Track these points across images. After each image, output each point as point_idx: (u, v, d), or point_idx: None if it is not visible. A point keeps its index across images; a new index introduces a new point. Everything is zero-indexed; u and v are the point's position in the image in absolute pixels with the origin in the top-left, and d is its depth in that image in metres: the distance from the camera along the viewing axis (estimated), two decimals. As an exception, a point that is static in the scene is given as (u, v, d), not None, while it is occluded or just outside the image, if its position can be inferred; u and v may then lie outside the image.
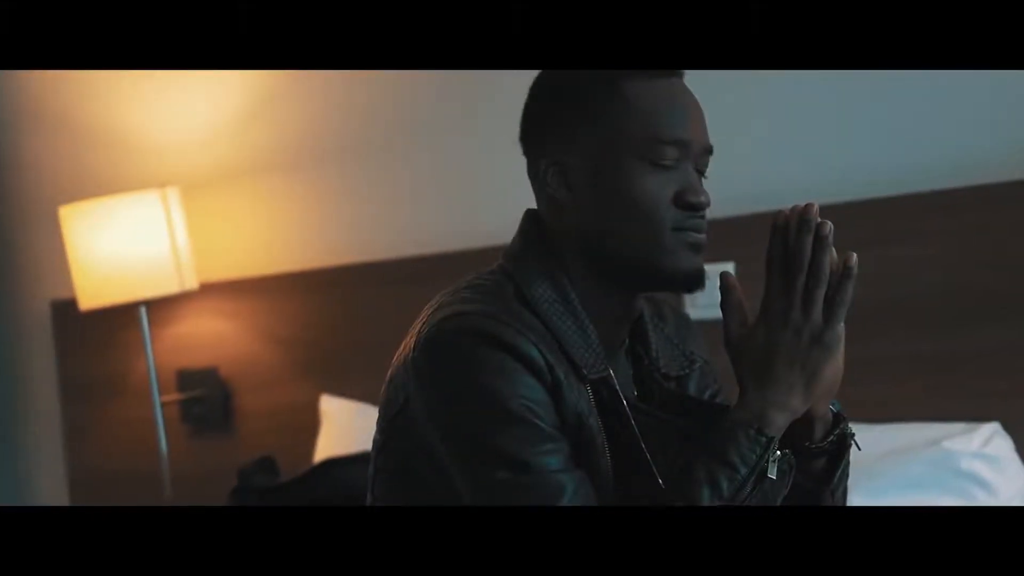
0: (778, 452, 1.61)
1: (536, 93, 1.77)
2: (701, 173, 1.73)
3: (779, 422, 1.61)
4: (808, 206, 1.60)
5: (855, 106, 3.05)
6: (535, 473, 1.59)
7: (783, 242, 1.62)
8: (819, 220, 1.60)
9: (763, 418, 1.60)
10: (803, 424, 1.69)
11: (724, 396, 1.89)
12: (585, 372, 1.67)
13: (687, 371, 1.84)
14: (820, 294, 1.60)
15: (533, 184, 1.77)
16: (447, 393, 1.64)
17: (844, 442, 1.74)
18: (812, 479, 1.72)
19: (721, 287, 1.69)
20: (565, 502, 1.58)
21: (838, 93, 3.04)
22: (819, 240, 1.60)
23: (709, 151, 1.74)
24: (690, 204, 1.69)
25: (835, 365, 1.65)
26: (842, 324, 1.63)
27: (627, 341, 1.81)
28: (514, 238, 1.79)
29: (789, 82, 3.03)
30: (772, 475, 1.59)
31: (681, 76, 1.74)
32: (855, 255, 1.61)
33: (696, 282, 1.72)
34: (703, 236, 1.72)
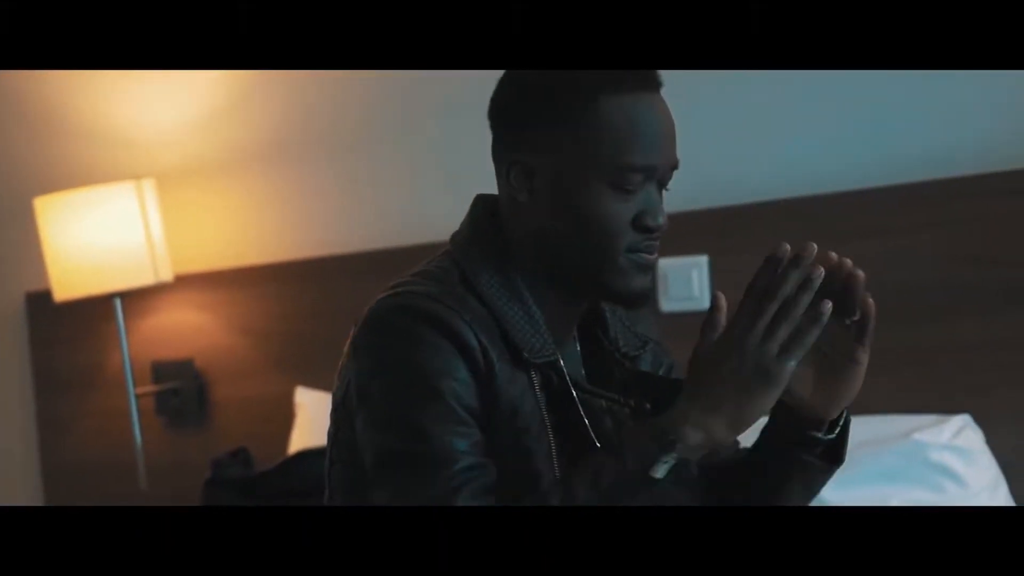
0: (673, 457, 1.55)
1: (514, 84, 1.76)
2: (663, 186, 1.73)
3: (691, 439, 1.56)
4: (807, 245, 1.56)
5: (827, 101, 3.06)
6: (434, 448, 1.58)
7: (771, 272, 1.57)
8: (812, 262, 1.55)
9: (677, 428, 1.56)
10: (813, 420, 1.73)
11: (678, 371, 1.89)
12: (528, 356, 1.67)
13: (640, 351, 1.85)
14: (784, 331, 1.54)
15: (496, 171, 1.77)
16: (373, 365, 1.65)
17: (847, 431, 1.78)
18: (821, 460, 1.76)
19: (711, 305, 1.66)
20: (457, 482, 1.57)
21: (811, 89, 3.05)
22: (806, 281, 1.54)
23: (676, 167, 1.73)
24: (647, 228, 1.69)
25: (773, 398, 1.56)
26: (794, 364, 1.55)
27: (576, 330, 1.81)
28: (463, 223, 1.80)
29: (763, 78, 3.04)
30: (659, 475, 1.54)
31: (659, 89, 1.71)
32: (830, 303, 1.55)
33: (641, 301, 1.73)
34: (655, 256, 1.72)
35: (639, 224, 1.69)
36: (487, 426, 1.64)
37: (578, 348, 1.82)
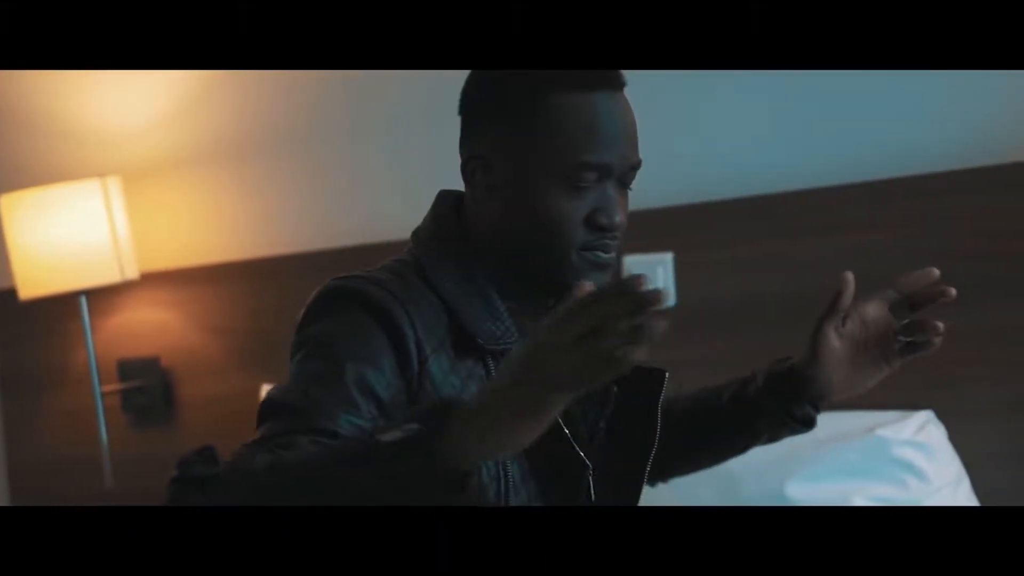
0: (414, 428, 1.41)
1: (477, 80, 1.77)
2: (626, 186, 1.73)
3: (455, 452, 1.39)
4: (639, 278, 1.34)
5: (792, 99, 3.08)
6: (310, 410, 1.56)
7: (619, 291, 1.34)
8: (655, 297, 1.34)
9: (450, 405, 1.41)
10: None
11: None
12: (482, 343, 1.68)
13: None
14: (586, 345, 1.33)
15: (461, 166, 1.77)
16: (299, 339, 1.67)
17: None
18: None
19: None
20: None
21: (777, 87, 3.07)
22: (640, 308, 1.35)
23: (637, 167, 1.73)
24: (601, 226, 1.69)
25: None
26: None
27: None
28: (425, 218, 1.81)
29: (729, 77, 3.06)
30: (386, 438, 1.41)
31: (620, 88, 1.72)
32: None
33: None
34: (611, 255, 1.72)
35: (592, 222, 1.69)
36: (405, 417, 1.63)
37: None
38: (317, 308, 1.70)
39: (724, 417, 2.00)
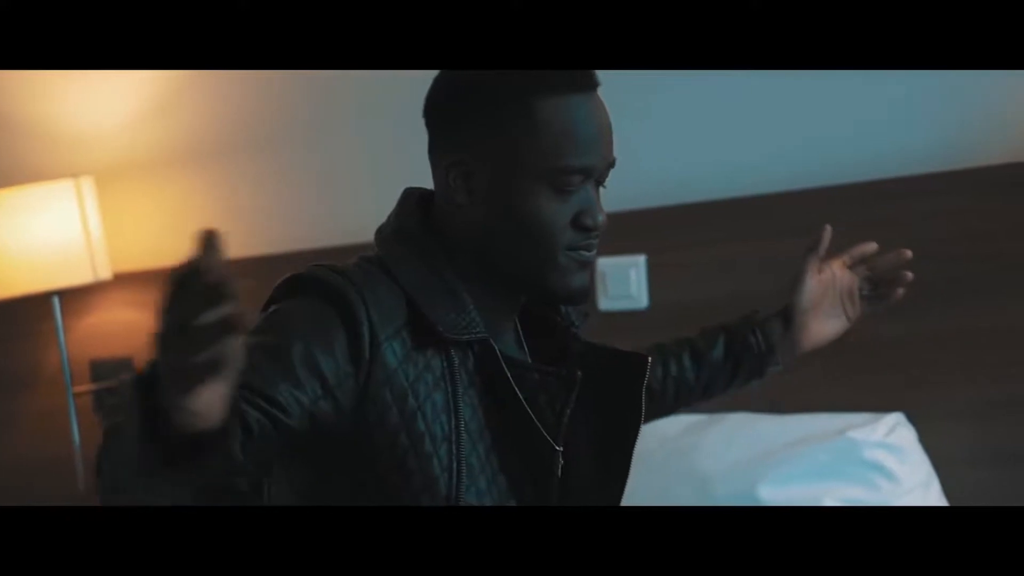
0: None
1: (450, 84, 1.76)
2: (601, 183, 1.75)
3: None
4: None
5: (763, 104, 3.10)
6: (251, 375, 1.54)
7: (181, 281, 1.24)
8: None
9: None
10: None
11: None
12: (444, 332, 1.68)
13: (583, 322, 1.90)
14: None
15: (433, 170, 1.77)
16: (259, 318, 1.68)
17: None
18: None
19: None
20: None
21: (746, 91, 3.09)
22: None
23: (613, 165, 1.75)
24: (586, 227, 1.71)
25: None
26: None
27: (518, 315, 1.83)
28: (390, 216, 1.81)
29: (699, 79, 3.08)
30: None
31: (596, 89, 1.73)
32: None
33: (581, 299, 1.76)
34: (593, 254, 1.75)
35: (578, 223, 1.71)
36: (354, 403, 1.63)
37: (518, 330, 1.84)
38: (277, 294, 1.72)
39: (718, 372, 2.17)
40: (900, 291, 2.16)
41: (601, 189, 1.76)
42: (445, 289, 1.71)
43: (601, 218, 1.72)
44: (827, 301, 2.16)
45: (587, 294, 1.76)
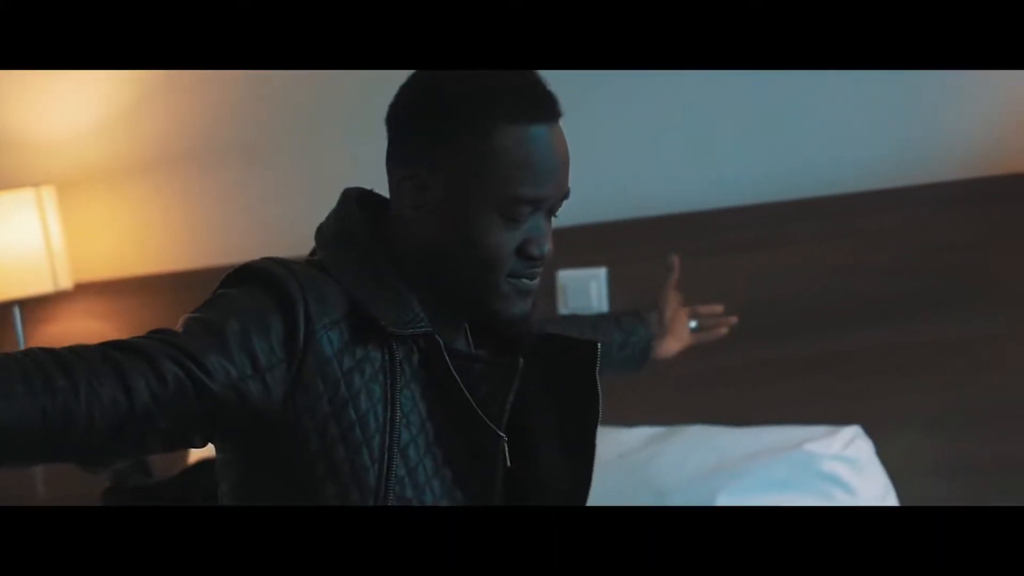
0: None
1: (414, 95, 1.76)
2: (552, 214, 1.76)
3: None
4: None
5: (723, 116, 3.12)
6: (181, 335, 1.66)
7: None
8: None
9: None
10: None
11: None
12: (384, 323, 1.68)
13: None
14: None
15: (389, 178, 1.78)
16: (200, 305, 1.73)
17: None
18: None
19: None
20: (168, 349, 1.64)
21: (706, 104, 3.11)
22: None
23: (566, 196, 1.76)
24: (531, 256, 1.72)
25: None
26: None
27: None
28: (329, 216, 1.83)
29: (659, 91, 3.10)
30: None
31: (557, 120, 1.73)
32: None
33: (518, 325, 1.77)
34: (536, 282, 1.76)
35: (524, 252, 1.72)
36: (285, 390, 1.65)
37: (466, 328, 1.84)
38: (227, 281, 1.76)
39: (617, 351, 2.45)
40: (723, 330, 2.58)
41: (553, 219, 1.77)
42: (389, 288, 1.72)
43: (547, 248, 1.73)
44: (678, 321, 2.54)
45: (526, 320, 1.77)
